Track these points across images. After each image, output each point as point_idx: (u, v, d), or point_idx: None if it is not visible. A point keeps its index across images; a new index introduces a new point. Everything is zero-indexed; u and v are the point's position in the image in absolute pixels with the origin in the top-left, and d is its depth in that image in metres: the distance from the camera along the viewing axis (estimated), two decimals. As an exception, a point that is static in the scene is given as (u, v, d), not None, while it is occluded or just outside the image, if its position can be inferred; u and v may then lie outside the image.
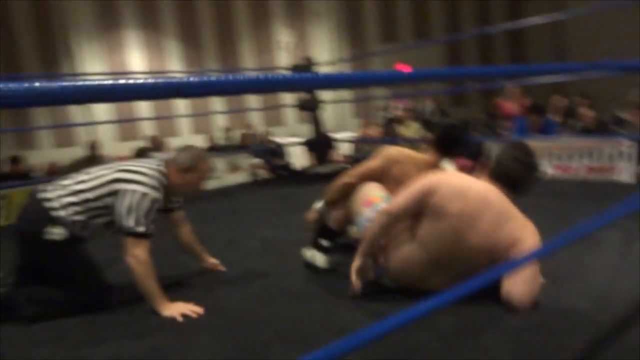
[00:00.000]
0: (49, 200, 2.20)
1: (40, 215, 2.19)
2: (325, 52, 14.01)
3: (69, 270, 2.25)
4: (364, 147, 7.35)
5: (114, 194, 2.18)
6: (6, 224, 4.69)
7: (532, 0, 14.09)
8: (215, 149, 8.24)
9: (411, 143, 6.27)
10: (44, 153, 12.06)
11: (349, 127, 12.09)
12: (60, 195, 2.21)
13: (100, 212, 2.22)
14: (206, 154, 2.56)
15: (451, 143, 2.56)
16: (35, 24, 12.59)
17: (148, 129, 11.93)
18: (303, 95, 6.52)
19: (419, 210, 2.05)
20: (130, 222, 2.14)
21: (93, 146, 7.11)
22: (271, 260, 2.82)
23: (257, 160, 6.66)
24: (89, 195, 2.19)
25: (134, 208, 2.13)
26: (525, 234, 1.93)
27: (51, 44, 12.69)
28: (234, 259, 2.83)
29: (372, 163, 2.54)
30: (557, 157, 4.53)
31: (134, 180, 2.18)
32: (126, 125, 12.43)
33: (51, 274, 2.27)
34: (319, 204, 2.60)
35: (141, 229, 2.14)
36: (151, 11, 13.21)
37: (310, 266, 2.54)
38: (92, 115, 11.98)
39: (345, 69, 13.97)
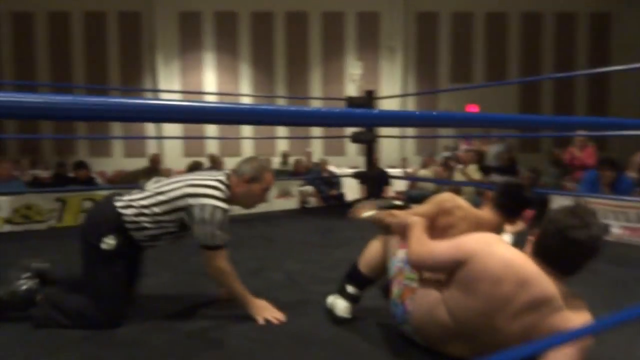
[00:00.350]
0: (121, 206, 2.23)
1: (107, 217, 2.21)
2: (396, 86, 13.92)
3: (99, 283, 2.20)
4: (419, 185, 7.09)
5: (184, 209, 2.20)
6: (60, 225, 4.85)
7: (622, 46, 13.35)
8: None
9: (466, 186, 5.95)
10: (114, 161, 12.72)
11: (410, 163, 11.82)
12: (132, 204, 2.23)
13: (168, 225, 2.24)
14: (270, 165, 2.50)
15: (514, 208, 2.24)
16: (125, 40, 13.46)
17: (213, 148, 12.28)
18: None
19: (450, 270, 1.83)
20: (204, 236, 2.19)
21: (154, 159, 7.34)
22: (290, 296, 2.66)
23: (307, 188, 6.56)
24: (156, 209, 2.21)
25: (208, 221, 2.17)
26: (568, 322, 1.58)
27: (138, 61, 13.49)
28: (252, 291, 2.68)
29: (422, 209, 2.36)
30: (626, 217, 4.08)
31: (203, 194, 2.20)
32: (193, 143, 12.87)
33: (85, 277, 2.25)
34: (370, 213, 2.40)
35: (216, 241, 2.20)
36: (229, 35, 13.75)
37: (330, 313, 2.34)
38: (162, 130, 12.51)
39: (411, 103, 13.79)
